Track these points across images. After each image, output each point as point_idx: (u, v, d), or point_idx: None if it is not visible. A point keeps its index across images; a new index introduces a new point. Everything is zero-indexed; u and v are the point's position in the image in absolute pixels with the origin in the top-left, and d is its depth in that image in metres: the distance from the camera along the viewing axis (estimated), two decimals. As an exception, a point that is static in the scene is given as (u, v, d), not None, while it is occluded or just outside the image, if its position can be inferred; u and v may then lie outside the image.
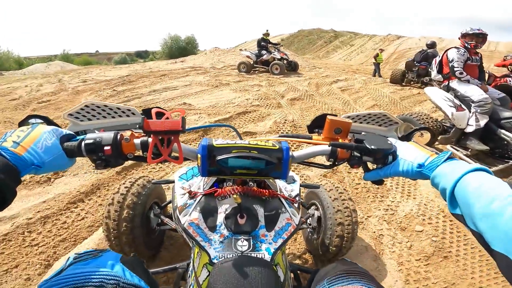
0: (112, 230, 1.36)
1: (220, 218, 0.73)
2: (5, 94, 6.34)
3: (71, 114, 0.77)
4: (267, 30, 9.21)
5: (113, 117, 0.80)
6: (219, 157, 0.62)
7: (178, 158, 0.65)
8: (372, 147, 0.68)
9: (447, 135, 3.41)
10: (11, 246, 1.88)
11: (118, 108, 0.79)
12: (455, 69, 3.27)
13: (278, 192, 0.85)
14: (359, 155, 0.71)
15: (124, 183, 1.47)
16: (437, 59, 3.62)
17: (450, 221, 2.35)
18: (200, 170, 0.65)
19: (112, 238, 1.37)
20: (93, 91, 6.45)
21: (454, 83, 3.36)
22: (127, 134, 0.64)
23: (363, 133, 0.77)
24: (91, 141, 0.61)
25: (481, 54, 3.48)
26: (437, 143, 3.52)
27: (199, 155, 0.63)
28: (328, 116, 0.78)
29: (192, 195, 0.83)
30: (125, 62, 32.18)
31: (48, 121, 0.69)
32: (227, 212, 0.72)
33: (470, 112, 3.18)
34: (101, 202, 2.32)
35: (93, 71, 10.87)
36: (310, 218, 1.59)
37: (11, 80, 8.67)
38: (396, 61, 21.31)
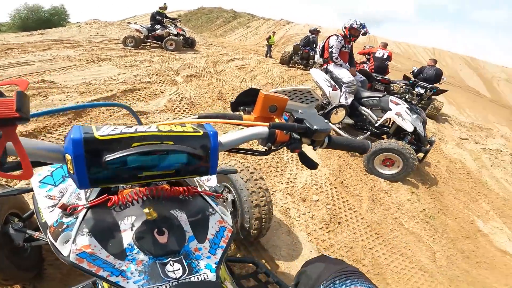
0: None
1: (127, 238, 0.49)
2: None
3: None
4: (164, 4, 8.32)
5: None
6: (110, 157, 0.40)
7: (21, 168, 0.37)
8: (315, 127, 0.58)
9: (324, 111, 3.93)
10: None
11: None
12: (333, 54, 3.72)
13: (199, 188, 0.65)
14: (298, 137, 0.60)
15: None
16: (321, 44, 4.03)
17: (335, 188, 2.69)
18: (75, 181, 0.41)
19: None
20: None
21: (330, 66, 3.83)
22: None
23: (299, 111, 0.65)
24: None
25: (352, 44, 4.01)
26: None
27: (68, 156, 0.40)
28: (261, 91, 0.64)
29: (69, 210, 0.54)
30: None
31: None
32: (135, 228, 0.50)
33: (341, 91, 3.72)
34: None
35: None
36: (224, 203, 1.48)
37: None
38: (284, 45, 23.38)
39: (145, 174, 0.45)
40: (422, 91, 6.82)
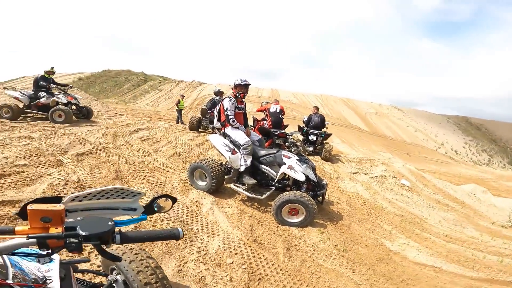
0: None
1: None
2: None
3: None
4: (52, 67, 7.29)
5: None
6: None
7: None
8: (85, 233, 0.67)
9: (229, 175, 4.05)
10: None
11: None
12: (229, 117, 3.91)
13: (9, 279, 0.68)
14: (76, 240, 0.67)
15: None
16: (217, 108, 4.18)
17: (249, 246, 2.76)
18: None
19: None
20: None
21: (228, 130, 4.02)
22: None
23: (78, 218, 0.73)
24: None
25: (245, 103, 4.29)
26: (224, 183, 4.10)
27: None
28: (28, 206, 0.70)
29: None
30: None
31: None
32: None
33: (240, 154, 3.90)
34: None
35: None
36: (115, 284, 1.42)
37: None
38: (198, 107, 24.30)
39: None
40: (314, 137, 7.86)
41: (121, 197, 0.97)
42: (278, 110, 7.45)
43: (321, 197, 3.97)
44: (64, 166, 3.98)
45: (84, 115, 7.33)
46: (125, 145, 5.59)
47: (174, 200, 1.03)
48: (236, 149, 3.95)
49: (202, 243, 2.72)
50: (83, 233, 0.68)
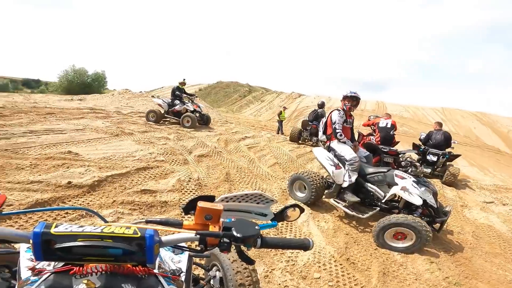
0: None
1: None
2: None
3: None
4: (184, 79, 8.79)
5: None
6: (58, 245, 0.58)
7: None
8: (239, 235, 0.72)
9: (330, 190, 3.89)
10: None
11: None
12: (337, 130, 3.77)
13: (155, 269, 0.76)
14: (228, 241, 0.73)
15: None
16: (324, 120, 4.10)
17: (340, 264, 2.65)
18: (34, 256, 0.59)
19: None
20: None
21: (333, 144, 3.88)
22: None
23: (232, 219, 0.79)
24: None
25: (353, 117, 4.07)
26: (323, 197, 3.98)
27: (31, 241, 0.58)
28: (198, 203, 0.78)
29: (36, 272, 0.70)
30: (5, 90, 26.36)
31: None
32: None
33: (345, 169, 3.72)
34: None
35: None
36: (212, 280, 1.55)
37: None
38: (296, 119, 24.60)
39: (89, 258, 0.61)
40: (434, 158, 6.66)
41: (256, 202, 1.02)
42: (389, 125, 6.67)
43: (439, 225, 3.44)
44: (189, 165, 4.72)
45: (204, 121, 8.59)
46: (234, 150, 6.18)
47: (302, 210, 1.00)
48: (340, 164, 3.78)
49: (292, 253, 2.72)
50: (237, 235, 0.72)
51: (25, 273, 0.79)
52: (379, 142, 6.54)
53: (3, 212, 0.62)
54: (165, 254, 0.97)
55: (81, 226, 0.62)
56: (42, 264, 0.77)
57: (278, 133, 11.59)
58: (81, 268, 0.66)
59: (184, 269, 0.97)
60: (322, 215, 3.77)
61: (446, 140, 6.84)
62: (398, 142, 7.08)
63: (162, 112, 8.26)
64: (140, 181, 3.75)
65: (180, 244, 0.79)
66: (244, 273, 1.54)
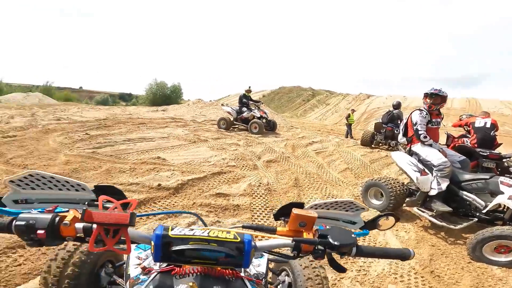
0: (51, 285, 1.28)
1: None
2: None
3: (13, 181, 0.75)
4: (249, 87, 9.24)
5: (60, 189, 0.79)
6: (175, 248, 0.62)
7: (126, 248, 0.64)
8: (336, 243, 0.70)
9: (413, 198, 3.53)
10: None
11: (67, 182, 0.79)
12: (419, 132, 3.39)
13: (242, 273, 0.81)
14: (322, 248, 0.72)
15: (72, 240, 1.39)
16: (404, 121, 3.74)
17: (421, 277, 2.44)
18: (153, 257, 0.64)
19: None
20: (63, 131, 6.21)
21: (416, 147, 3.49)
22: (69, 217, 0.63)
23: (327, 227, 0.78)
24: (22, 223, 0.59)
25: (443, 116, 3.61)
26: (404, 205, 3.64)
27: (152, 243, 0.63)
28: (293, 210, 0.78)
29: (146, 271, 0.79)
30: (106, 103, 32.00)
31: None
32: None
33: (432, 175, 3.31)
34: (45, 251, 2.16)
35: (70, 108, 10.69)
36: (280, 285, 1.55)
37: None
38: (366, 121, 22.89)
39: (195, 260, 0.65)
40: None
41: (345, 209, 1.00)
42: (488, 125, 5.58)
43: None
44: (258, 170, 4.86)
45: (270, 127, 8.78)
46: (302, 156, 6.11)
47: (397, 219, 0.91)
48: (426, 170, 3.39)
49: (364, 262, 2.61)
50: (334, 243, 0.71)
51: (133, 271, 0.89)
52: (475, 145, 5.54)
53: (138, 214, 0.71)
54: None
55: (191, 230, 0.68)
56: (149, 263, 0.86)
57: (347, 137, 10.99)
58: (180, 269, 0.72)
59: (264, 273, 0.99)
60: (402, 225, 3.45)
61: None
62: (500, 144, 5.88)
63: (232, 119, 8.77)
64: (215, 185, 4.03)
65: (273, 250, 0.80)
66: (316, 280, 1.49)
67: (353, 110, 12.89)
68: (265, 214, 3.47)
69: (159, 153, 5.25)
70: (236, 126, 8.91)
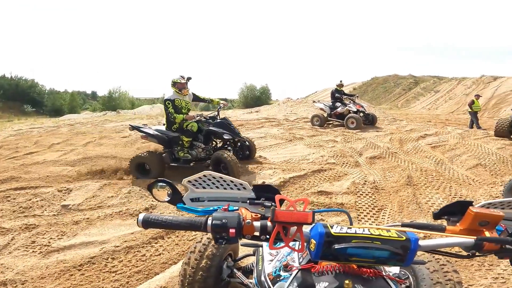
0: (188, 276, 1.43)
1: None
2: (119, 130, 7.84)
3: (190, 181, 0.86)
4: (341, 81, 8.89)
5: (225, 189, 0.87)
6: (338, 246, 0.61)
7: (300, 247, 0.65)
8: None
9: None
10: (93, 269, 2.10)
11: (231, 181, 0.85)
12: None
13: (383, 271, 0.75)
14: (510, 247, 0.65)
15: (207, 234, 1.54)
16: None
17: None
18: (311, 254, 0.63)
19: (186, 284, 1.44)
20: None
21: None
22: (247, 216, 0.66)
23: (502, 226, 0.71)
24: (218, 222, 0.64)
25: None
26: None
27: (313, 241, 0.62)
28: (471, 208, 0.71)
29: (288, 268, 0.80)
30: (208, 109, 36.55)
31: (171, 187, 0.81)
32: None
33: None
34: (178, 242, 2.45)
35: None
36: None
37: (125, 118, 10.80)
38: (495, 108, 18.24)
39: (354, 259, 0.61)
40: None
41: None
42: None
43: None
44: (361, 167, 4.50)
45: (370, 121, 8.09)
46: (413, 151, 5.32)
47: None
48: None
49: (505, 270, 2.22)
50: None
51: (269, 267, 0.90)
52: None
53: (315, 210, 0.72)
54: None
55: (350, 228, 0.65)
56: (286, 260, 0.87)
57: (472, 128, 8.98)
58: (319, 267, 0.70)
59: (407, 274, 0.89)
60: None
61: None
62: None
63: (325, 115, 8.52)
64: (316, 183, 3.96)
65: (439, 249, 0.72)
66: (447, 284, 1.34)
67: (477, 96, 10.46)
68: (373, 213, 3.18)
69: (260, 152, 5.56)
70: (331, 122, 8.59)
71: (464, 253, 0.69)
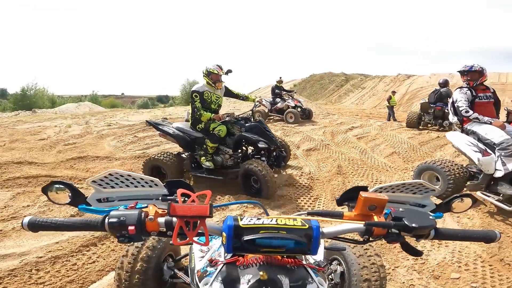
0: (124, 281, 1.37)
1: None
2: (35, 132, 6.76)
3: (95, 181, 0.81)
4: (280, 77, 9.31)
5: (136, 187, 0.84)
6: (246, 237, 0.62)
7: (205, 240, 0.64)
8: (414, 225, 0.66)
9: (475, 181, 3.25)
10: (15, 281, 1.91)
11: (142, 179, 0.82)
12: (460, 108, 3.25)
13: (304, 261, 0.80)
14: (397, 231, 0.68)
15: None
16: (450, 100, 3.57)
17: (489, 265, 2.26)
18: (225, 247, 0.65)
19: None
20: (115, 135, 6.73)
21: (472, 125, 3.26)
22: (151, 212, 0.65)
23: (400, 209, 0.73)
24: (115, 220, 0.62)
25: (493, 89, 3.42)
26: (465, 189, 3.34)
27: (224, 234, 0.63)
28: (361, 193, 0.76)
29: (213, 263, 0.81)
30: (146, 107, 34.09)
31: (71, 188, 0.75)
32: (250, 284, 0.68)
33: (495, 155, 3.03)
34: (114, 248, 2.33)
35: (117, 114, 11.52)
36: (332, 274, 1.52)
37: (43, 118, 9.32)
38: (409, 102, 21.37)
39: (265, 250, 0.64)
40: None
41: (413, 192, 0.93)
42: None
43: None
44: (298, 159, 4.79)
45: (306, 116, 8.64)
46: (342, 142, 5.89)
47: (474, 201, 0.81)
48: (488, 150, 3.09)
49: (422, 250, 2.45)
50: (412, 225, 0.66)
51: (199, 264, 0.91)
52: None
53: (214, 205, 0.71)
54: None
55: (259, 219, 0.67)
56: (213, 255, 0.88)
57: (389, 120, 10.36)
58: (244, 259, 0.72)
59: (323, 261, 0.97)
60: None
61: None
62: None
63: (266, 111, 8.80)
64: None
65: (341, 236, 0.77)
66: (372, 268, 1.47)
67: (394, 92, 12.13)
68: (310, 203, 3.42)
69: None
70: (271, 117, 8.90)
71: (361, 239, 0.73)
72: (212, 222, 0.70)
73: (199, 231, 0.64)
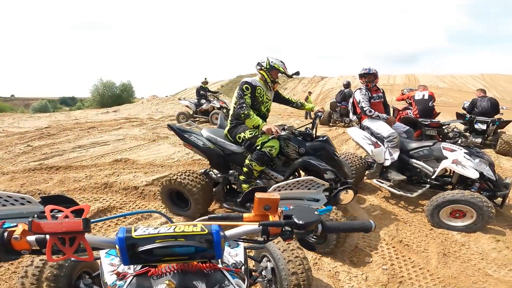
0: None
1: None
2: None
3: None
4: (205, 78, 9.18)
5: (4, 205, 0.75)
6: (141, 248, 0.60)
7: (88, 255, 0.60)
8: (301, 222, 0.70)
9: (371, 170, 3.72)
10: None
11: (9, 197, 0.76)
12: (365, 108, 3.64)
13: (219, 264, 0.80)
14: (289, 229, 0.72)
15: (38, 255, 1.31)
16: (350, 100, 4.00)
17: (392, 247, 2.55)
18: (121, 260, 0.62)
19: None
20: (2, 146, 5.51)
21: (366, 122, 3.72)
22: (17, 231, 0.59)
23: (291, 207, 0.78)
24: None
25: (383, 90, 3.94)
26: (365, 178, 3.83)
27: (117, 246, 0.61)
28: (256, 194, 0.78)
29: (120, 276, 0.77)
30: (46, 110, 28.81)
31: None
32: None
33: (384, 147, 3.53)
34: (14, 270, 2.01)
35: (5, 120, 9.44)
36: (264, 270, 1.58)
37: None
38: (322, 102, 23.88)
39: (166, 258, 0.63)
40: (483, 126, 6.30)
41: (307, 187, 1.01)
42: (426, 97, 6.27)
43: (501, 199, 3.11)
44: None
45: (232, 116, 8.63)
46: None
47: (355, 192, 0.97)
48: (379, 142, 3.60)
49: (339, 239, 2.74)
50: (299, 222, 0.71)
51: (109, 278, 0.85)
52: (417, 116, 6.17)
53: (93, 220, 0.65)
54: (225, 249, 0.99)
55: (156, 228, 0.65)
56: (123, 268, 0.83)
57: (306, 118, 11.40)
58: (156, 269, 0.70)
59: (243, 262, 0.99)
60: (365, 197, 3.64)
61: (494, 106, 6.31)
62: (438, 113, 6.61)
63: (191, 112, 8.55)
64: (183, 181, 3.91)
65: (243, 237, 0.79)
66: (296, 261, 1.55)
67: (310, 93, 13.37)
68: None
69: (117, 155, 4.92)
70: (197, 119, 8.69)
71: (261, 239, 0.74)
72: (101, 236, 0.67)
73: (82, 246, 0.59)
